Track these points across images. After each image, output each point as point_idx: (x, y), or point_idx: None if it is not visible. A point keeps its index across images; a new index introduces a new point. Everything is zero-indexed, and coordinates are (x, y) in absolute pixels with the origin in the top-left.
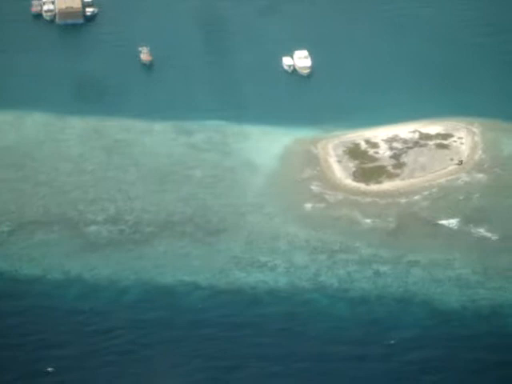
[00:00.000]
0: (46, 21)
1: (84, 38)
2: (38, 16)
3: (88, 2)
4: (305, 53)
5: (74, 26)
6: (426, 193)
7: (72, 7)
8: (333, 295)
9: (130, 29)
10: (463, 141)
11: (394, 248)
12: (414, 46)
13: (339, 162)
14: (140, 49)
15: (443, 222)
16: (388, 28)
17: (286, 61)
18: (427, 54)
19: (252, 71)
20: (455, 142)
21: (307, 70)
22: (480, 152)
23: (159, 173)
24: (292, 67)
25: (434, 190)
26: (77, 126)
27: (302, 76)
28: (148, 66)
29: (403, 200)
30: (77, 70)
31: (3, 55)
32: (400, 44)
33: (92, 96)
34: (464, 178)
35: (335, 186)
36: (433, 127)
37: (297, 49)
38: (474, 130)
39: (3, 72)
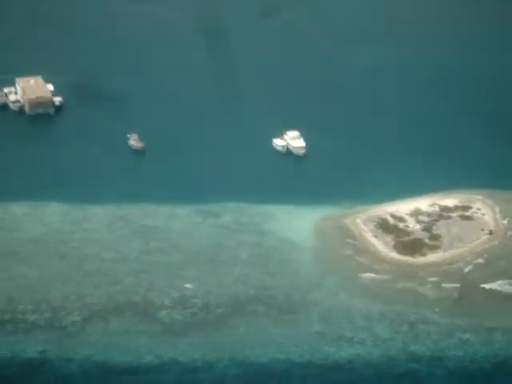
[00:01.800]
0: (14, 111)
1: (61, 127)
2: (4, 107)
3: (52, 92)
4: (296, 133)
5: (45, 116)
6: (473, 261)
7: (42, 96)
8: (429, 364)
9: (105, 116)
10: (483, 211)
11: (467, 316)
12: (407, 120)
13: (375, 236)
14: (129, 135)
15: (500, 286)
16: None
17: (278, 142)
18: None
19: (245, 153)
20: (476, 213)
21: (302, 151)
22: (505, 222)
23: (204, 255)
24: (285, 148)
25: (479, 258)
26: (98, 213)
27: (297, 156)
28: (140, 152)
29: (454, 270)
30: (66, 158)
31: None
32: (394, 119)
33: (94, 184)
34: (500, 245)
35: (382, 260)
36: (448, 200)
37: (286, 129)
38: (487, 200)
39: None
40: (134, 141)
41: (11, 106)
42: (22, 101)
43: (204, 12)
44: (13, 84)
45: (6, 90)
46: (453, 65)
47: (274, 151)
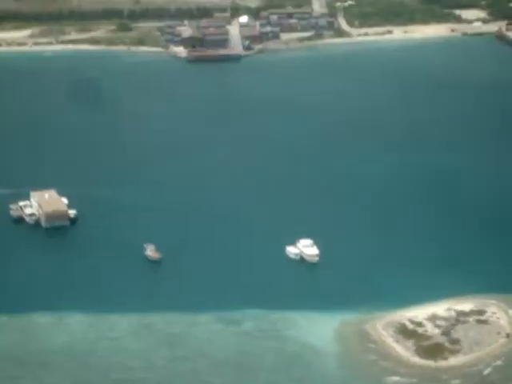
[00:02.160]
0: (30, 224)
1: (78, 239)
2: (19, 220)
3: (67, 205)
4: (309, 241)
5: (61, 228)
6: (492, 364)
7: (58, 210)
8: None
9: (120, 226)
10: (498, 315)
11: None
12: (419, 226)
13: (397, 341)
14: (145, 246)
15: None
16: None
17: (292, 250)
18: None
19: (260, 260)
20: (491, 317)
21: (316, 258)
22: None
23: (229, 362)
24: (299, 255)
25: (498, 361)
26: (122, 322)
27: (311, 263)
28: (157, 263)
29: (475, 372)
30: (85, 269)
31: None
32: (406, 224)
33: (115, 294)
34: None
35: (406, 364)
36: (463, 305)
37: (299, 238)
38: (501, 305)
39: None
40: (150, 251)
41: (27, 219)
42: (37, 214)
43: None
44: (27, 197)
45: (21, 203)
46: (462, 167)
47: (288, 259)
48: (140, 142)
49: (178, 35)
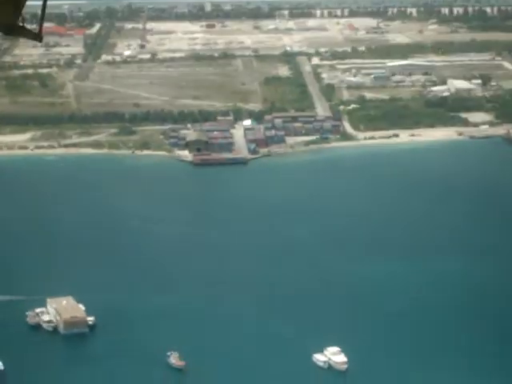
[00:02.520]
0: (47, 331)
1: (98, 346)
2: (37, 327)
3: (85, 311)
4: (337, 349)
5: (80, 336)
6: None
7: (77, 316)
8: None
9: (141, 333)
10: None
11: None
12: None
13: None
14: (169, 354)
15: None
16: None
17: (319, 357)
18: None
19: (287, 368)
20: None
21: (344, 366)
22: None
23: None
24: (327, 363)
25: None
26: None
27: (339, 371)
28: (181, 371)
29: None
30: (106, 377)
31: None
32: (431, 325)
33: None
34: None
35: None
36: None
37: (326, 345)
38: None
39: None
40: (174, 359)
41: (45, 326)
42: (55, 321)
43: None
44: (43, 304)
45: (37, 310)
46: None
47: (316, 366)
48: (152, 245)
49: (183, 139)
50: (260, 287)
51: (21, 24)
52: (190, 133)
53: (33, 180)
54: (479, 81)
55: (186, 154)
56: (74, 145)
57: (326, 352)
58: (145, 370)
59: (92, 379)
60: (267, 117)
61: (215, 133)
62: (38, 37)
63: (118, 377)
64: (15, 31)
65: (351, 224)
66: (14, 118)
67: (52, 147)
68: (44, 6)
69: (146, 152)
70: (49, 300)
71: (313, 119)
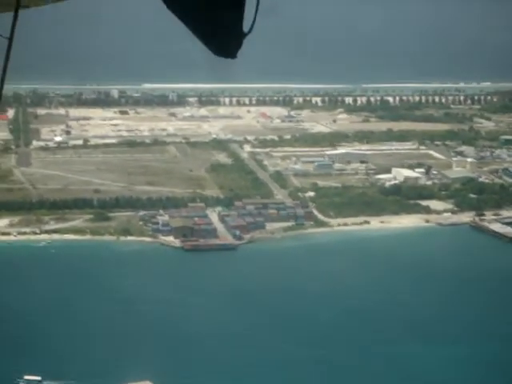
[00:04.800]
0: None
1: None
2: None
3: None
4: None
5: None
6: None
7: None
8: None
9: None
10: None
11: None
12: None
13: None
14: None
15: None
16: None
17: None
18: None
19: None
20: None
21: None
22: None
23: None
24: None
25: None
26: None
27: None
28: None
29: None
30: None
31: None
32: None
33: None
34: None
35: None
36: None
37: None
38: None
39: None
40: None
41: None
42: None
43: None
44: None
45: None
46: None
47: None
48: (168, 329)
49: (166, 225)
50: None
51: None
52: (175, 219)
53: (42, 266)
54: (422, 169)
55: (171, 240)
56: (55, 231)
57: None
58: None
59: None
60: (237, 203)
61: (196, 219)
62: None
63: None
64: None
65: (364, 306)
66: None
67: (35, 233)
68: (5, 69)
69: (129, 238)
70: None
71: (283, 206)
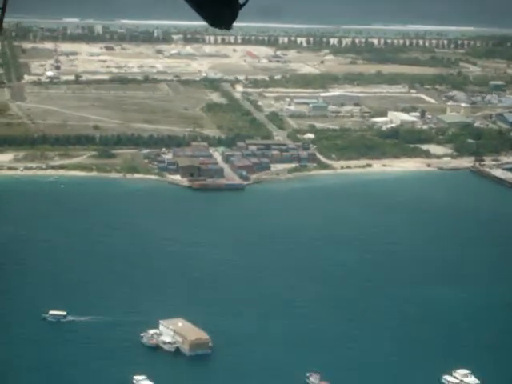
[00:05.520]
0: (169, 352)
1: (225, 368)
2: (156, 348)
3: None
4: (466, 371)
5: (204, 357)
6: None
7: (201, 338)
8: None
9: (274, 353)
10: None
11: None
12: None
13: None
14: (308, 374)
15: None
16: None
17: (450, 379)
18: None
19: None
20: None
21: None
22: None
23: None
24: None
25: None
26: None
27: None
28: None
29: None
30: None
31: None
32: None
33: None
34: None
35: None
36: None
37: (455, 367)
38: None
39: None
40: (315, 379)
41: (166, 347)
42: (177, 342)
43: None
44: (154, 326)
45: (151, 331)
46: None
47: None
48: (203, 268)
49: (173, 164)
50: (352, 309)
51: None
52: (182, 158)
53: (54, 201)
54: (417, 113)
55: (179, 179)
56: (61, 167)
57: (455, 374)
58: None
59: None
60: (240, 143)
61: (201, 158)
62: None
63: None
64: None
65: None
66: None
67: (41, 169)
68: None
69: (136, 176)
70: (161, 322)
71: (285, 147)
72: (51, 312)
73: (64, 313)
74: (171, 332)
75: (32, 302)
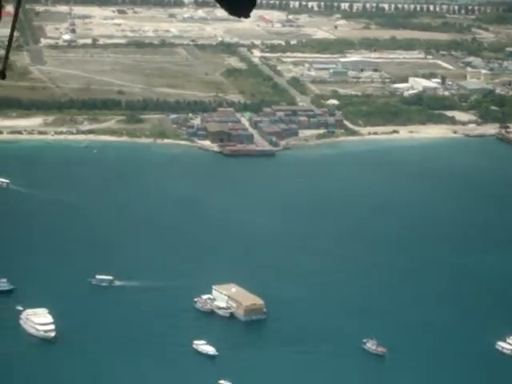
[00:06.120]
0: (224, 317)
1: (278, 332)
2: (210, 313)
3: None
4: None
5: (259, 322)
6: None
7: (256, 304)
8: None
9: (330, 319)
10: None
11: None
12: None
13: None
14: (365, 340)
15: None
16: None
17: (504, 345)
18: None
19: (473, 356)
20: None
21: None
22: None
23: None
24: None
25: None
26: None
27: None
28: (382, 358)
29: None
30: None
31: None
32: None
33: None
34: None
35: None
36: None
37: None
38: None
39: None
40: (372, 345)
41: (220, 312)
42: (231, 307)
43: None
44: (206, 291)
45: (204, 296)
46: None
47: (500, 354)
48: (250, 235)
49: (202, 129)
50: (404, 275)
51: None
52: (211, 124)
53: (91, 166)
54: (438, 80)
55: (209, 144)
56: (91, 131)
57: (509, 340)
58: (340, 354)
59: (284, 363)
60: (266, 109)
61: (230, 124)
62: (1, 74)
63: (317, 361)
64: None
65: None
66: (9, 101)
67: (71, 133)
68: (9, 43)
69: (166, 141)
70: (215, 287)
71: (312, 113)
72: (98, 276)
73: (111, 277)
74: (225, 297)
75: (77, 267)
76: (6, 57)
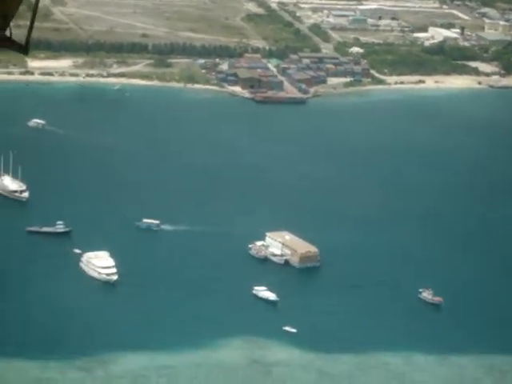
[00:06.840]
0: (279, 264)
1: (331, 279)
2: (265, 260)
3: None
4: None
5: (313, 269)
6: None
7: (311, 251)
8: None
9: (388, 269)
10: None
11: None
12: None
13: None
14: (421, 290)
15: None
16: None
17: None
18: None
19: None
20: None
21: None
22: None
23: None
24: None
25: None
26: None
27: None
28: (438, 307)
29: None
30: (342, 307)
31: None
32: None
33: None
34: None
35: None
36: None
37: None
38: None
39: None
40: (428, 295)
41: (275, 259)
42: (286, 254)
43: None
44: (259, 238)
45: (257, 243)
46: None
47: None
48: (279, 180)
49: (232, 75)
50: (452, 227)
51: (8, 35)
52: (241, 70)
53: (127, 109)
54: (457, 30)
55: (239, 91)
56: (121, 75)
57: None
58: (396, 303)
59: (341, 309)
60: (293, 56)
61: (258, 70)
62: (24, 49)
63: (357, 308)
64: (1, 43)
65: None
66: (37, 43)
67: (102, 76)
68: (33, 18)
69: (196, 86)
70: (268, 234)
71: (338, 61)
72: (144, 220)
73: (157, 221)
74: (279, 244)
75: (123, 211)
76: (30, 31)
